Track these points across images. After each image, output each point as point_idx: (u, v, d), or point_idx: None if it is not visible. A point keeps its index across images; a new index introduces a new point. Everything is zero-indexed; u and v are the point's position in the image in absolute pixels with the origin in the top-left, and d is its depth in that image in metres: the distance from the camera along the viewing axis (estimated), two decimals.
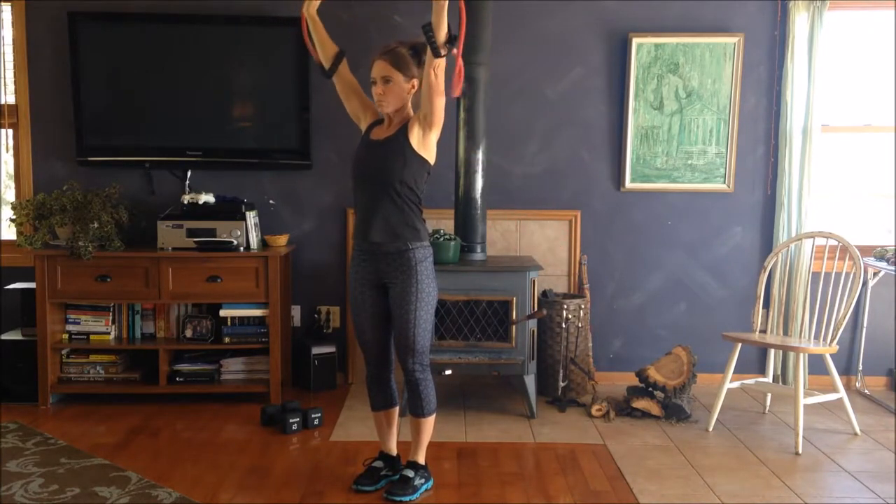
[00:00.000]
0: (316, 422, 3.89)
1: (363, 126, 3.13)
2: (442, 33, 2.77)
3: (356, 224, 3.07)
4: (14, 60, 4.52)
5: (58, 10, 4.42)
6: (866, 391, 4.58)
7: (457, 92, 2.89)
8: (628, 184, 4.62)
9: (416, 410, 3.11)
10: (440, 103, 2.89)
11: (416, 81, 2.97)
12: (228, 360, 4.34)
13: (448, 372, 4.02)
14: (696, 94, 4.54)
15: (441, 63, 2.83)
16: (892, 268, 4.23)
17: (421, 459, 3.16)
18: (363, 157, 3.04)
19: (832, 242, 4.02)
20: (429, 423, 3.13)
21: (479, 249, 4.20)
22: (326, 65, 3.07)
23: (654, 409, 4.06)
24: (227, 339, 4.26)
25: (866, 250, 4.45)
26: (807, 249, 4.38)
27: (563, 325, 4.30)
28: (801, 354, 3.81)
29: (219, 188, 4.50)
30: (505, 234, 4.65)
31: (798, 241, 4.31)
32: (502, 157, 4.58)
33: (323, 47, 3.07)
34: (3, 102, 4.55)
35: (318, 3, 3.00)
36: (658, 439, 3.79)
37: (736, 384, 4.06)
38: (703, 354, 4.44)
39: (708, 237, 4.68)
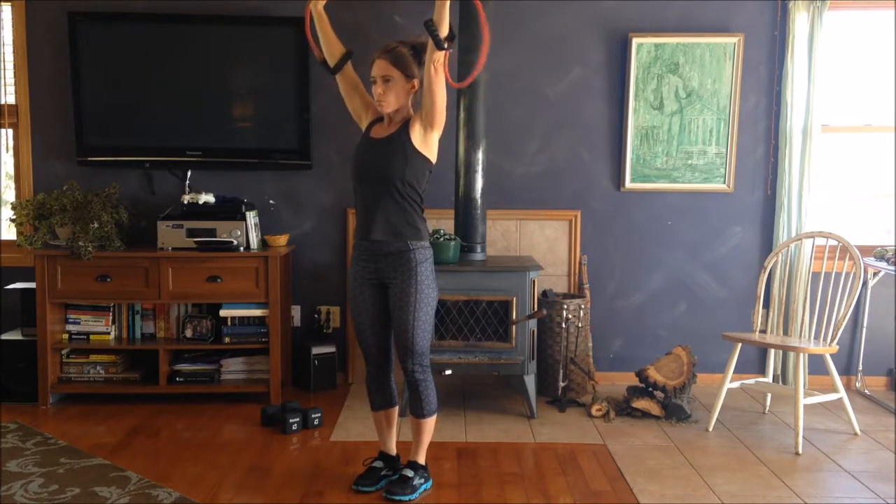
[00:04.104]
0: (316, 422, 3.89)
1: (363, 124, 3.12)
2: (444, 29, 2.77)
3: (357, 222, 3.07)
4: (14, 60, 4.52)
5: (58, 10, 4.43)
6: (866, 391, 4.57)
7: (465, 82, 3.07)
8: (628, 184, 4.62)
9: (416, 411, 3.11)
10: (441, 100, 2.88)
11: (416, 81, 2.96)
12: (228, 360, 4.34)
13: (448, 372, 4.02)
14: (696, 94, 4.54)
15: (441, 58, 2.82)
16: (892, 268, 4.23)
17: (421, 460, 3.16)
18: (364, 156, 3.03)
19: (832, 242, 4.02)
20: (429, 423, 3.13)
21: (479, 249, 4.19)
22: (332, 62, 3.07)
23: (654, 409, 4.06)
24: (227, 339, 4.26)
25: (866, 250, 4.45)
26: (807, 249, 4.38)
27: (563, 325, 4.30)
28: (801, 354, 3.80)
29: (219, 188, 4.50)
30: (505, 234, 4.65)
31: (798, 241, 4.31)
32: (502, 157, 4.58)
33: (329, 45, 3.08)
34: (3, 102, 4.56)
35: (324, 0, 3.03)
36: (658, 439, 3.79)
37: (736, 384, 4.06)
38: (703, 354, 4.45)
39: (708, 237, 4.68)
